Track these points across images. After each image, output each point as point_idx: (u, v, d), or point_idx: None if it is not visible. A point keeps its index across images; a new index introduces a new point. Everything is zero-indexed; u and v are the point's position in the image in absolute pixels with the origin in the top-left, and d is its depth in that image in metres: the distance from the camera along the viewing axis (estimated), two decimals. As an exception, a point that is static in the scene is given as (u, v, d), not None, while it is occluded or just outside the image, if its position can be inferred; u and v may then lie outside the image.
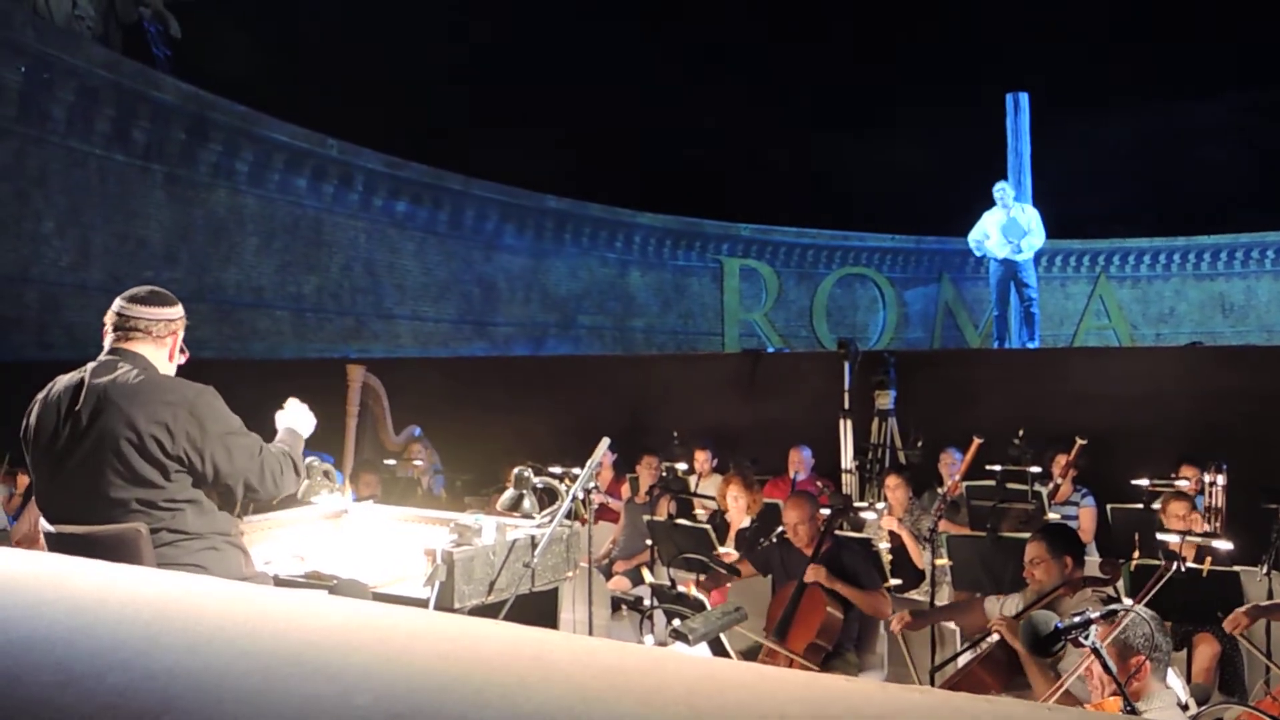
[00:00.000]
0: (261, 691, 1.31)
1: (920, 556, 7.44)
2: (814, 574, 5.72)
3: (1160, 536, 6.16)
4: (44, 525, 3.33)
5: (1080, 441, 8.20)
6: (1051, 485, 8.26)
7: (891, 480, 7.94)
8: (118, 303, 3.39)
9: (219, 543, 3.30)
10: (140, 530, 3.12)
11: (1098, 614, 3.24)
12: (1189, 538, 5.85)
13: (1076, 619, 3.16)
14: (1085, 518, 8.27)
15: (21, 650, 1.48)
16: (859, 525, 7.57)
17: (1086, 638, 3.13)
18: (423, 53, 21.62)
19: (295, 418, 3.75)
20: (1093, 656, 3.34)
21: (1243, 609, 5.21)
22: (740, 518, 7.59)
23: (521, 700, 1.27)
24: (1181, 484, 7.65)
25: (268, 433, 3.51)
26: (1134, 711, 3.14)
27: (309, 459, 4.15)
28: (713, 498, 7.89)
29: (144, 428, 3.15)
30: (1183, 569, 5.22)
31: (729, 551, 7.07)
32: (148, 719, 1.23)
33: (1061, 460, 8.45)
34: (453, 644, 1.53)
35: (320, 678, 1.34)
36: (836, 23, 25.73)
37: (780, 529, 6.41)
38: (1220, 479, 7.40)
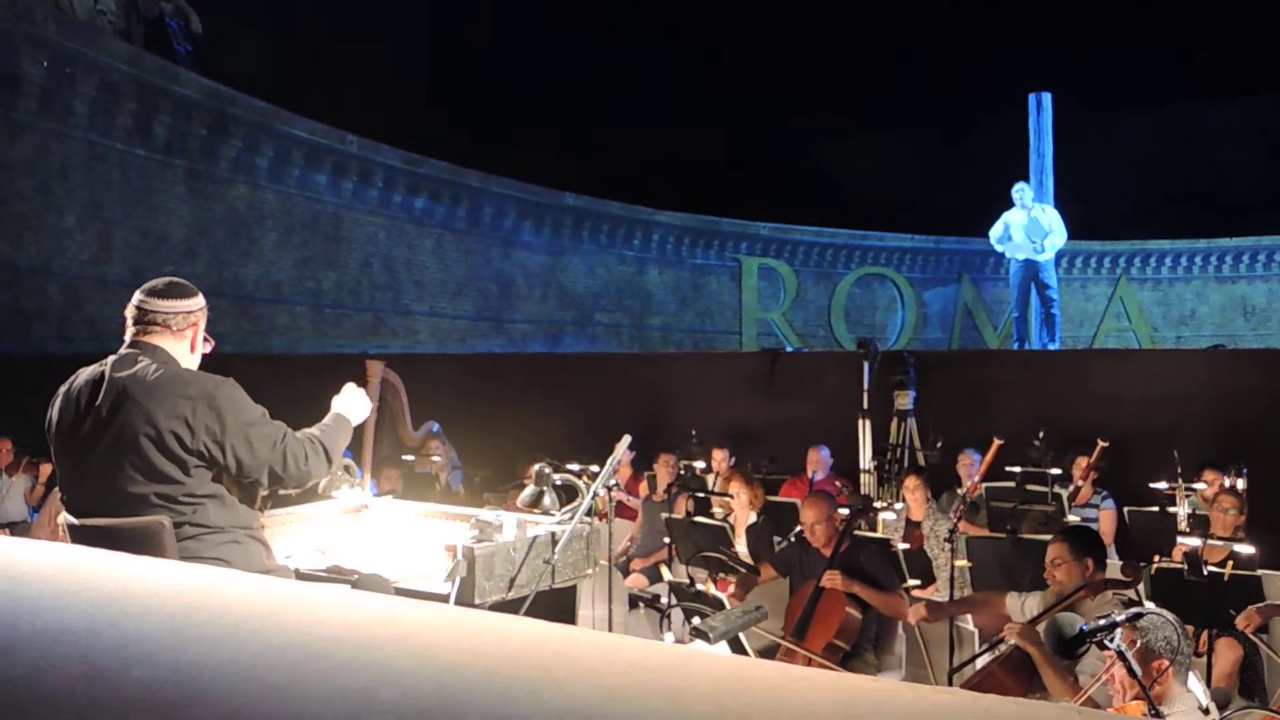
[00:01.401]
0: (289, 685, 1.30)
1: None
2: (830, 580, 5.70)
3: (1180, 540, 6.13)
4: (66, 518, 3.33)
5: (1102, 444, 8.16)
6: (1072, 488, 8.23)
7: (910, 481, 7.92)
8: (137, 296, 3.37)
9: (241, 536, 3.29)
10: (164, 523, 3.11)
11: (1123, 617, 3.21)
12: (1210, 541, 5.82)
13: (1102, 622, 3.14)
14: (1105, 520, 8.23)
15: (47, 642, 1.48)
16: (876, 525, 7.56)
17: (1111, 640, 3.10)
18: (443, 50, 21.66)
19: (347, 403, 3.72)
20: (1114, 660, 3.32)
21: (1254, 607, 5.19)
22: (745, 514, 7.58)
23: (548, 696, 1.26)
24: (1200, 487, 7.61)
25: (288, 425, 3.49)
26: (1159, 715, 3.12)
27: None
28: (731, 496, 7.88)
29: (163, 423, 3.13)
30: (1205, 573, 5.20)
31: (741, 549, 7.09)
32: (176, 712, 1.23)
33: (1082, 462, 8.42)
34: (478, 640, 1.52)
35: (347, 672, 1.33)
36: (858, 22, 25.64)
37: (798, 528, 6.40)
38: (1240, 483, 7.36)
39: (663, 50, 24.82)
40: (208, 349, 3.48)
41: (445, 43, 21.93)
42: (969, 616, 6.12)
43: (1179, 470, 7.54)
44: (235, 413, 3.22)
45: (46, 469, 8.92)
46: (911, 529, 7.71)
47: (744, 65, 25.98)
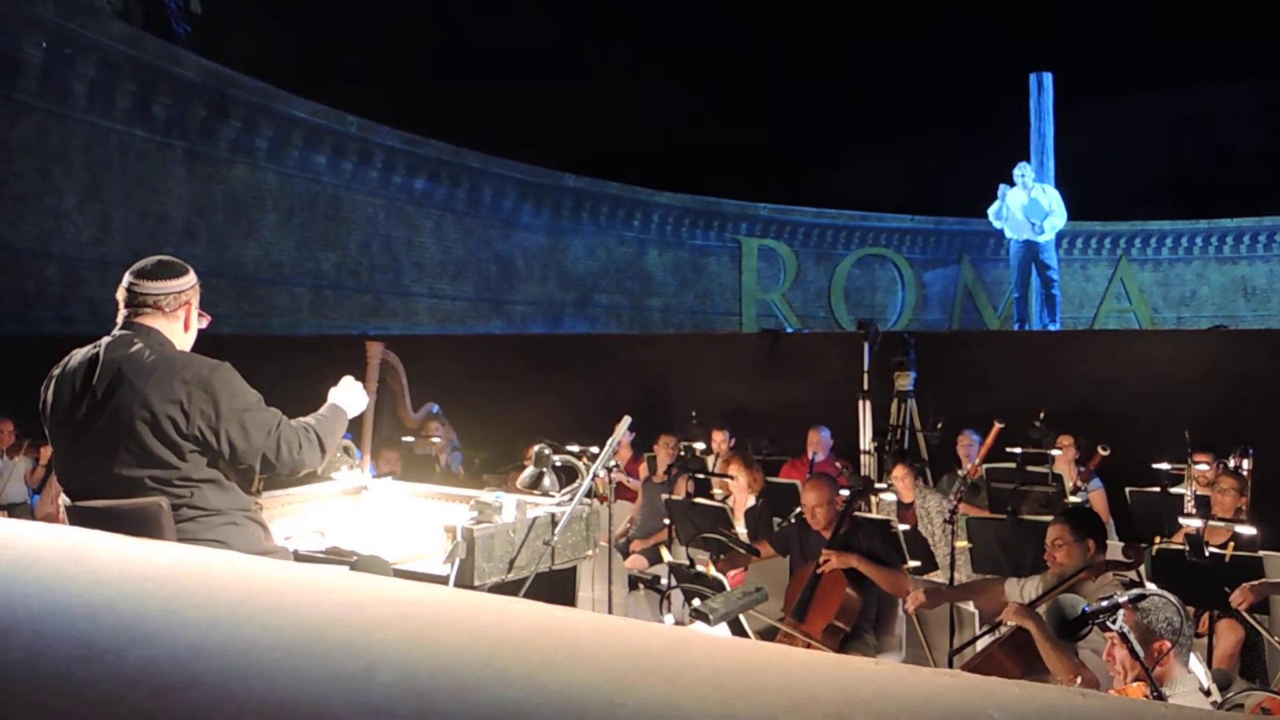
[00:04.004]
0: (286, 668, 1.29)
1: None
2: (827, 560, 5.69)
3: (1182, 520, 6.13)
4: (64, 500, 3.31)
5: (1102, 452, 8.14)
6: (1071, 485, 8.22)
7: (898, 471, 7.89)
8: (126, 277, 3.32)
9: (239, 518, 3.27)
10: (162, 505, 3.09)
11: (1125, 598, 3.21)
12: (1212, 523, 5.82)
13: (1104, 603, 3.13)
14: (1096, 501, 8.24)
15: (43, 624, 1.47)
16: (875, 506, 7.56)
17: (1114, 622, 3.10)
18: (443, 30, 21.59)
19: (344, 395, 3.69)
20: (1113, 641, 3.31)
21: (1248, 584, 5.19)
22: (744, 497, 7.58)
23: (547, 679, 1.26)
24: (1203, 469, 7.59)
25: (286, 409, 3.46)
26: (1161, 697, 3.12)
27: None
28: (731, 477, 7.87)
29: (158, 408, 3.11)
30: (1206, 554, 5.20)
31: (740, 532, 7.08)
32: (172, 694, 1.22)
33: (1064, 440, 8.43)
34: (477, 622, 1.52)
35: (345, 653, 1.32)
36: (861, 2, 25.55)
37: (798, 509, 6.39)
38: (1246, 463, 7.35)
39: (663, 32, 24.73)
40: (204, 324, 3.44)
41: (444, 22, 21.83)
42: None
43: (1189, 451, 7.53)
44: (230, 398, 3.19)
45: (47, 451, 8.91)
46: (904, 510, 7.71)
47: (744, 45, 25.91)
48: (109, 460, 3.15)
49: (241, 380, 3.26)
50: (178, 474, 3.15)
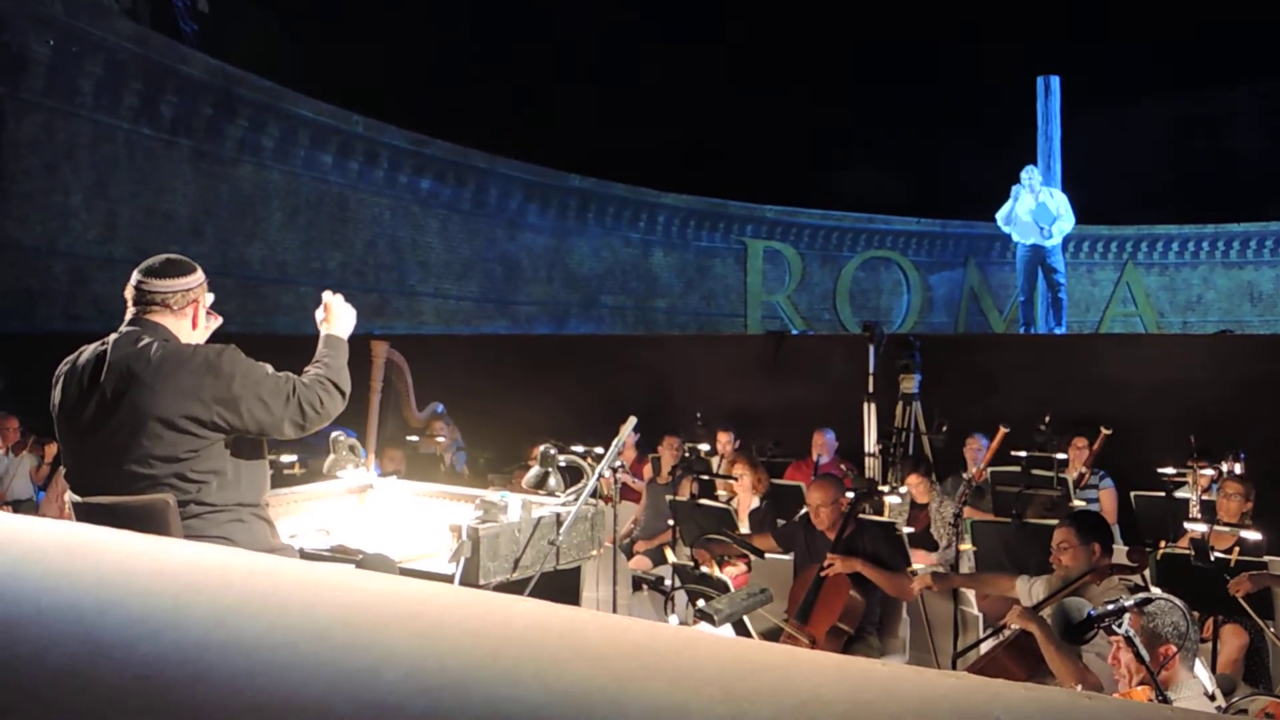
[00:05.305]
0: (293, 665, 1.30)
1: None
2: (832, 565, 5.69)
3: (1187, 525, 6.13)
4: (71, 496, 3.32)
5: (1105, 432, 8.15)
6: (1074, 474, 8.23)
7: (912, 479, 7.91)
8: (134, 276, 3.35)
9: (245, 515, 3.28)
10: (169, 501, 3.10)
11: (1131, 602, 3.20)
12: (1217, 528, 5.82)
13: (1110, 607, 3.13)
14: (1106, 499, 8.25)
15: (51, 620, 1.47)
16: (881, 508, 7.56)
17: (1119, 626, 3.10)
18: (448, 29, 21.60)
19: (335, 320, 3.65)
20: (1119, 645, 3.31)
21: (1248, 574, 5.20)
22: (748, 498, 7.59)
23: (553, 678, 1.26)
24: (1208, 473, 7.59)
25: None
26: (1166, 701, 3.11)
27: (334, 434, 4.14)
28: (736, 479, 7.88)
29: (171, 400, 3.11)
30: (1211, 559, 5.20)
31: (746, 533, 7.08)
32: (179, 691, 1.22)
33: (1079, 442, 8.43)
34: (482, 621, 1.52)
35: (351, 652, 1.33)
36: (866, 4, 25.52)
37: (803, 511, 6.39)
38: (1237, 467, 7.34)
39: (668, 32, 24.72)
40: (216, 324, 3.47)
41: (445, 22, 21.83)
42: (974, 600, 6.12)
43: (1195, 454, 7.52)
44: (243, 376, 3.21)
45: (52, 448, 8.93)
46: (917, 511, 7.73)
47: (747, 45, 25.89)
48: (116, 456, 3.16)
49: (247, 358, 3.28)
50: (188, 466, 3.17)
